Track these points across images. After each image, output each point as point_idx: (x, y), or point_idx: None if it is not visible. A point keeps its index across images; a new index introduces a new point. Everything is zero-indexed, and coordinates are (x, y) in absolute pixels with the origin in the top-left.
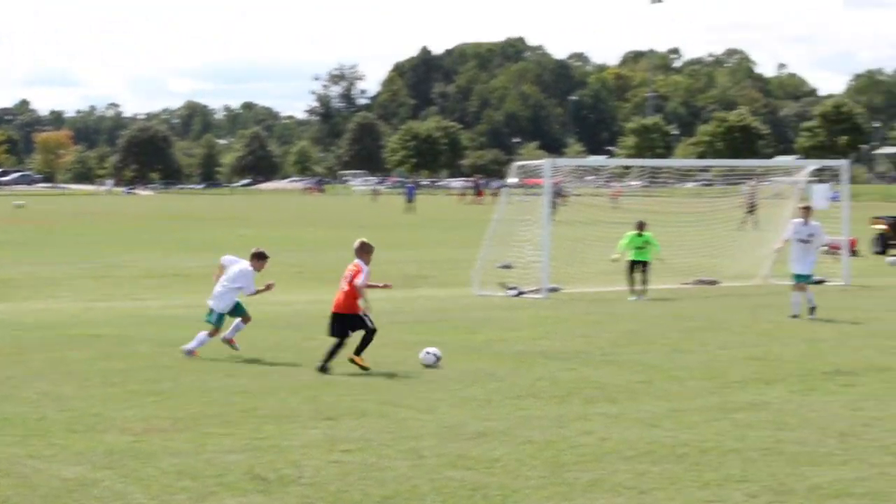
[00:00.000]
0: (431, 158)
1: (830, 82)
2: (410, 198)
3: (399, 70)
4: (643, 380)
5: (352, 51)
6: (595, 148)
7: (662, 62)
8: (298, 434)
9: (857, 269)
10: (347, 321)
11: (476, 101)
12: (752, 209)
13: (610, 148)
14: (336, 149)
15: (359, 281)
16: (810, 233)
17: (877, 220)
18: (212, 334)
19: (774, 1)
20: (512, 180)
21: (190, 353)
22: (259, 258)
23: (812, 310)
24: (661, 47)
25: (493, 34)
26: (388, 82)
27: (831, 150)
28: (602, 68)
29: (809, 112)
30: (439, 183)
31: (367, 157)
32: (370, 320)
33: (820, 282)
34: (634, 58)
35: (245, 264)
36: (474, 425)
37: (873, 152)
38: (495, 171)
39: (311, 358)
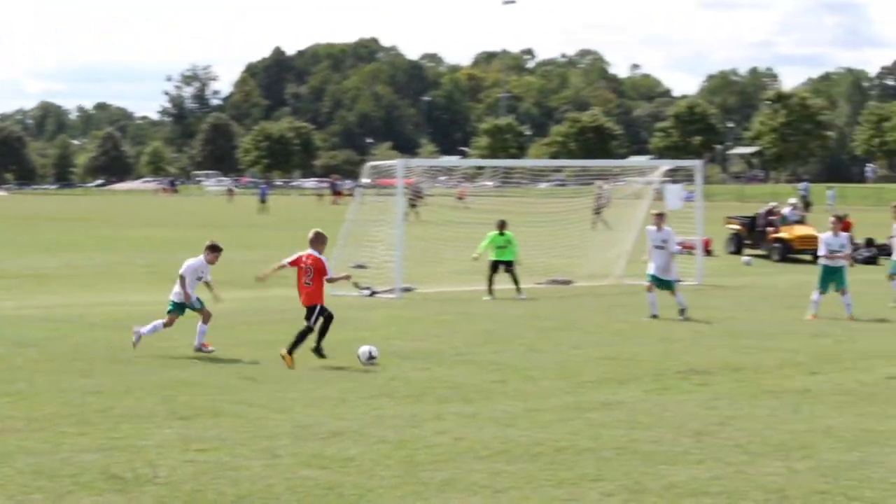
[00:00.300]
0: (284, 159)
1: (684, 83)
2: (263, 198)
3: (252, 71)
4: (498, 379)
5: (205, 52)
6: (448, 148)
7: (515, 63)
8: (154, 434)
9: (711, 268)
10: (312, 310)
11: (329, 102)
12: (598, 210)
13: (463, 148)
14: (189, 149)
15: (329, 275)
16: (664, 238)
17: (731, 219)
18: (167, 324)
19: (628, 2)
20: (365, 181)
21: (139, 336)
22: (213, 250)
23: (682, 311)
24: (514, 48)
25: (345, 35)
26: (240, 83)
27: (685, 151)
28: (455, 69)
29: (663, 112)
30: (293, 183)
31: (220, 158)
32: (315, 317)
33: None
34: (487, 58)
35: (200, 257)
36: (329, 425)
37: (727, 152)
38: (348, 172)
39: (165, 357)
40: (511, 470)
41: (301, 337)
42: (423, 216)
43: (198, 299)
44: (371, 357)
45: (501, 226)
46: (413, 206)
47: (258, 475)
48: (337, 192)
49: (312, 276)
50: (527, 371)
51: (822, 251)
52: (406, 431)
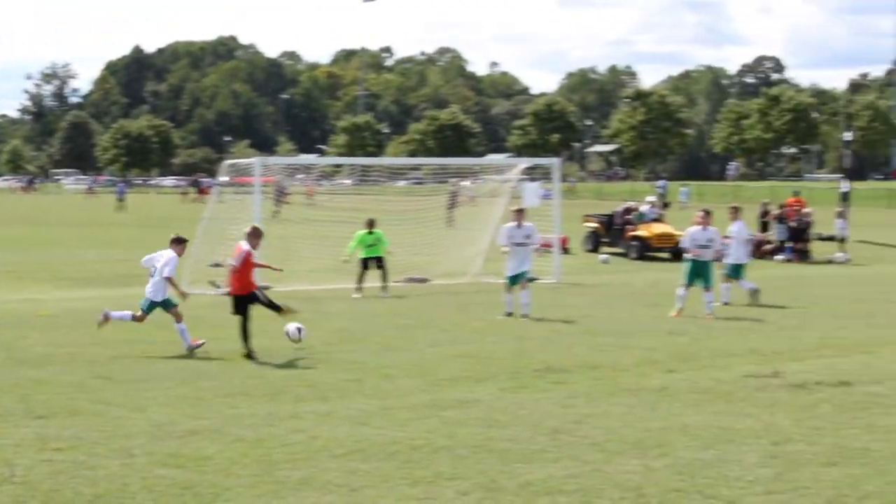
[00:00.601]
0: (143, 157)
1: (543, 81)
2: (121, 197)
3: (111, 69)
4: (354, 378)
5: (65, 50)
6: (307, 146)
7: (374, 61)
8: (10, 433)
9: (568, 266)
10: (244, 301)
11: (188, 100)
12: (452, 207)
13: (321, 146)
14: (48, 147)
15: (236, 263)
16: (527, 234)
17: (588, 217)
18: (136, 318)
19: (486, 0)
20: (223, 179)
21: (107, 318)
22: (178, 242)
23: (524, 314)
24: (373, 46)
25: (204, 33)
26: (100, 81)
27: (543, 149)
28: (314, 67)
29: (522, 110)
30: (151, 182)
31: (79, 156)
32: (263, 295)
33: (532, 280)
34: (346, 56)
35: (169, 252)
36: (185, 424)
37: (586, 150)
38: (207, 170)
39: (22, 357)
40: (366, 468)
41: (245, 333)
42: (283, 214)
43: (169, 300)
44: (300, 331)
45: (370, 224)
46: (279, 204)
47: (115, 474)
48: (201, 190)
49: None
50: (383, 369)
51: (687, 244)
52: (263, 430)
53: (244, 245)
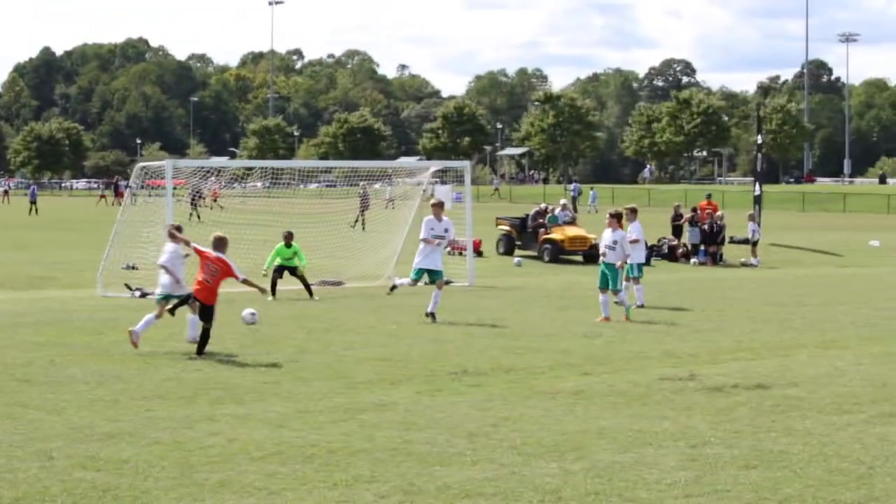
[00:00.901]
0: (54, 159)
1: (452, 84)
2: (33, 199)
3: (20, 71)
4: (270, 381)
5: None
6: (218, 149)
7: (283, 63)
8: None
9: (482, 269)
10: (209, 311)
11: (98, 102)
12: (363, 210)
13: (233, 149)
14: None
15: (241, 277)
16: (445, 228)
17: (501, 220)
18: (159, 316)
19: (394, 2)
20: (135, 181)
21: (137, 334)
22: (178, 231)
23: (433, 315)
24: (281, 48)
25: (114, 35)
26: (9, 83)
27: (454, 152)
28: (223, 69)
29: (432, 113)
30: (64, 184)
31: None
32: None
33: (447, 282)
34: (254, 59)
35: (171, 245)
36: (103, 426)
37: (497, 154)
38: (119, 172)
39: None
40: (285, 471)
41: (206, 338)
42: (200, 217)
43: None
44: (254, 315)
45: (288, 237)
46: (195, 206)
47: (34, 477)
48: (119, 193)
49: (218, 276)
50: (298, 372)
51: (601, 248)
52: (180, 433)
53: (222, 255)
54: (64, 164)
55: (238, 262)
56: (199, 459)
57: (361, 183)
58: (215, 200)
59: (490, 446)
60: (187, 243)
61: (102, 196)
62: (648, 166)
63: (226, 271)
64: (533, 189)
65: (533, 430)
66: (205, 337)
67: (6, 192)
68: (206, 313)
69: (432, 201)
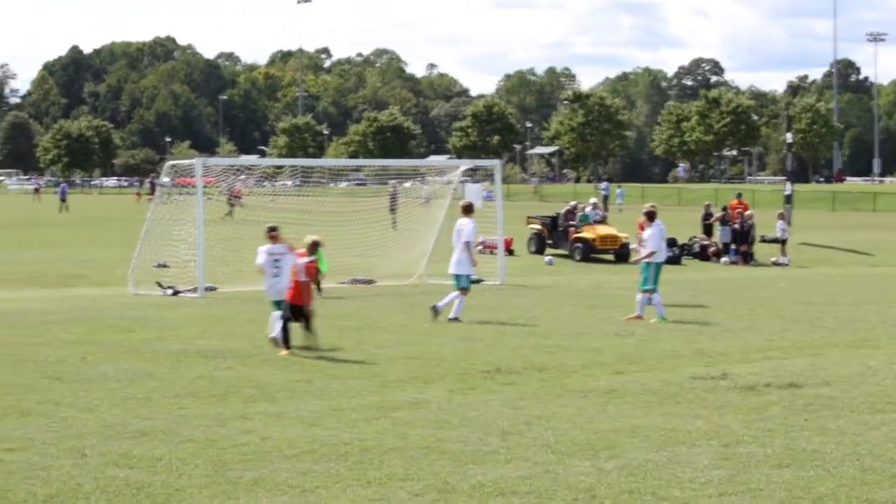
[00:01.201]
0: (84, 158)
1: (481, 83)
2: (63, 197)
3: (49, 69)
4: (302, 378)
5: (1, 50)
6: (247, 147)
7: (312, 62)
8: None
9: (513, 268)
10: (303, 311)
11: (127, 101)
12: (393, 209)
13: (262, 147)
14: None
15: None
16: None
17: (532, 219)
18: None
19: (423, 1)
20: (165, 180)
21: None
22: (273, 231)
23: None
24: (310, 47)
25: (142, 33)
26: (39, 81)
27: (484, 150)
28: (252, 68)
29: (461, 112)
30: (94, 182)
31: (20, 157)
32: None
33: (478, 281)
34: (283, 57)
35: (273, 247)
36: (135, 424)
37: (526, 152)
38: (149, 171)
39: None
40: (318, 469)
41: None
42: (236, 216)
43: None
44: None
45: (314, 246)
46: (231, 206)
47: (68, 475)
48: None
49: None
50: (331, 370)
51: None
52: (213, 431)
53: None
54: (93, 162)
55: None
56: (233, 457)
57: (392, 182)
58: (238, 198)
59: (523, 444)
60: (291, 248)
61: (139, 194)
62: (682, 165)
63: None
64: (563, 188)
65: (566, 429)
66: (286, 330)
67: (37, 190)
68: (299, 313)
69: (462, 202)
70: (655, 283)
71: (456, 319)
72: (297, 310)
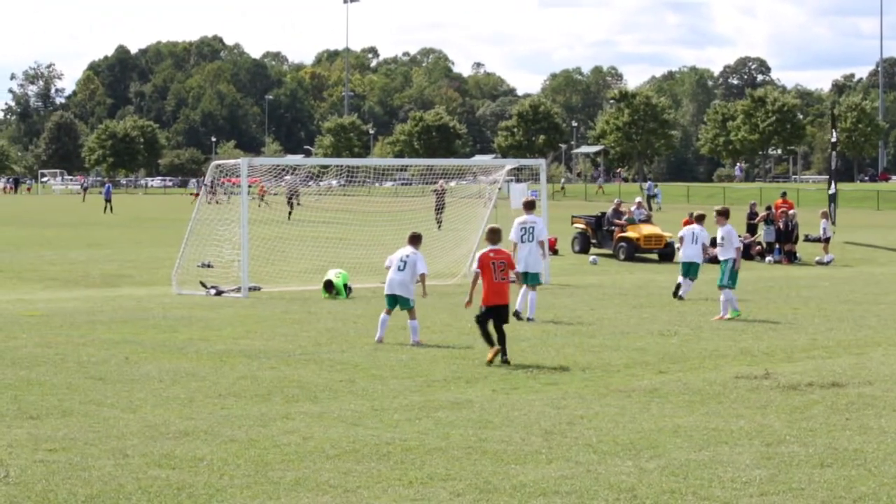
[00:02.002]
0: (129, 157)
1: (527, 82)
2: (108, 197)
3: (95, 69)
4: (345, 378)
5: (46, 49)
6: (293, 147)
7: (358, 61)
8: (3, 434)
9: (558, 267)
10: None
11: (173, 100)
12: (439, 209)
13: (308, 147)
14: (34, 148)
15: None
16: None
17: (577, 219)
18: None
19: (470, 1)
20: (210, 179)
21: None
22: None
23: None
24: (357, 46)
25: (188, 33)
26: (84, 81)
27: (529, 150)
28: (298, 67)
29: (507, 111)
30: (139, 182)
31: (66, 156)
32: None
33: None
34: (329, 57)
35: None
36: (178, 424)
37: (572, 152)
38: (194, 171)
39: (13, 357)
40: (360, 469)
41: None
42: (294, 215)
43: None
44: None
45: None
46: (291, 205)
47: (109, 475)
48: (211, 192)
49: (506, 270)
50: (374, 370)
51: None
52: (255, 431)
53: (500, 248)
54: (138, 162)
55: (312, 259)
56: (275, 457)
57: (440, 181)
58: (262, 197)
59: (565, 444)
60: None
61: (195, 194)
62: (738, 164)
63: (511, 264)
64: (610, 187)
65: (608, 429)
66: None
67: (86, 190)
68: (505, 313)
69: (527, 198)
70: (731, 279)
71: (529, 319)
72: (499, 310)
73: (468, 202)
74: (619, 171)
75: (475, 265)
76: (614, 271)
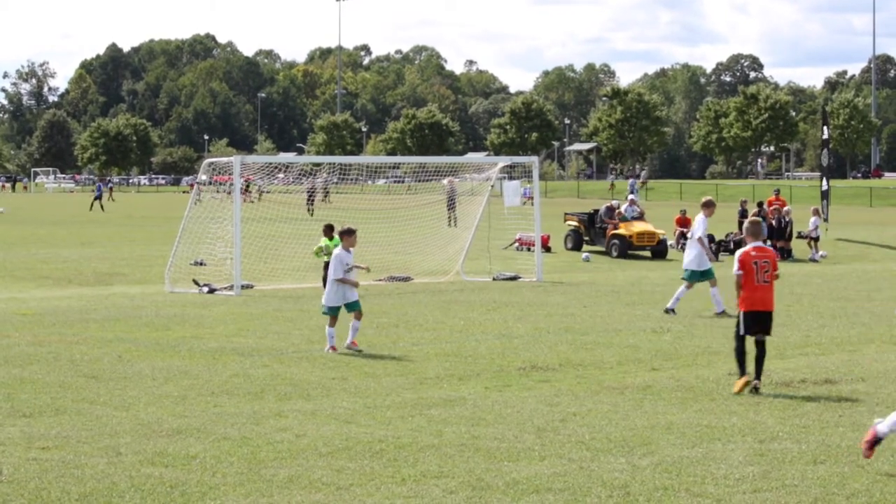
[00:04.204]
0: (122, 156)
1: (519, 79)
2: (99, 195)
3: (87, 67)
4: (338, 376)
5: (39, 47)
6: (286, 145)
7: (351, 59)
8: None
9: (550, 265)
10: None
11: (165, 99)
12: (451, 206)
13: (300, 145)
14: (27, 146)
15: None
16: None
17: (569, 216)
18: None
19: None
20: (202, 177)
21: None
22: (348, 234)
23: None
24: (349, 44)
25: (180, 31)
26: (77, 80)
27: (522, 147)
28: (290, 65)
29: (500, 109)
30: (132, 180)
31: (58, 155)
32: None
33: (514, 278)
34: (321, 55)
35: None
36: (171, 422)
37: (565, 149)
38: (187, 169)
39: (5, 356)
40: (353, 467)
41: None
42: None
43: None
44: None
45: (329, 230)
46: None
47: (102, 473)
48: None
49: (770, 271)
50: (367, 368)
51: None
52: (248, 429)
53: (762, 244)
54: (131, 160)
55: (305, 257)
56: (268, 455)
57: (448, 178)
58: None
59: (558, 442)
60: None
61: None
62: (759, 160)
63: (775, 263)
64: (600, 184)
65: (601, 426)
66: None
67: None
68: (768, 321)
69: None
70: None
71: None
72: (760, 318)
73: (460, 200)
74: (614, 168)
75: (735, 267)
76: (607, 268)
